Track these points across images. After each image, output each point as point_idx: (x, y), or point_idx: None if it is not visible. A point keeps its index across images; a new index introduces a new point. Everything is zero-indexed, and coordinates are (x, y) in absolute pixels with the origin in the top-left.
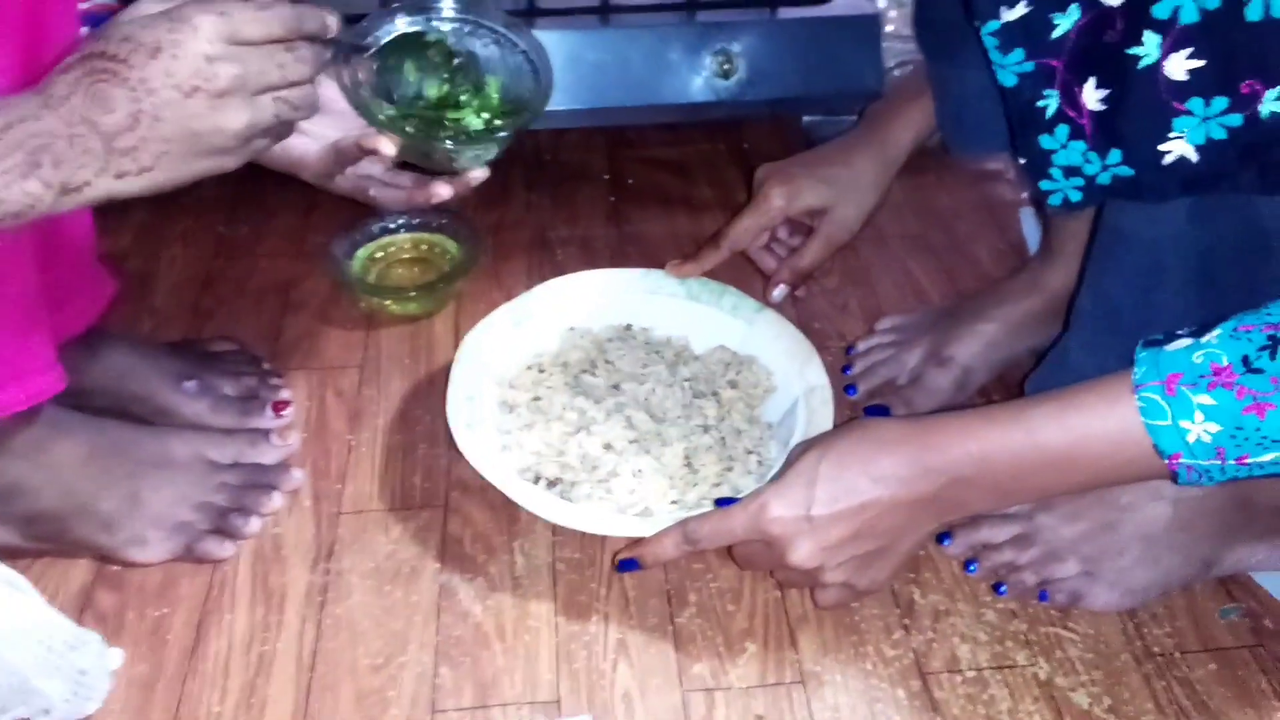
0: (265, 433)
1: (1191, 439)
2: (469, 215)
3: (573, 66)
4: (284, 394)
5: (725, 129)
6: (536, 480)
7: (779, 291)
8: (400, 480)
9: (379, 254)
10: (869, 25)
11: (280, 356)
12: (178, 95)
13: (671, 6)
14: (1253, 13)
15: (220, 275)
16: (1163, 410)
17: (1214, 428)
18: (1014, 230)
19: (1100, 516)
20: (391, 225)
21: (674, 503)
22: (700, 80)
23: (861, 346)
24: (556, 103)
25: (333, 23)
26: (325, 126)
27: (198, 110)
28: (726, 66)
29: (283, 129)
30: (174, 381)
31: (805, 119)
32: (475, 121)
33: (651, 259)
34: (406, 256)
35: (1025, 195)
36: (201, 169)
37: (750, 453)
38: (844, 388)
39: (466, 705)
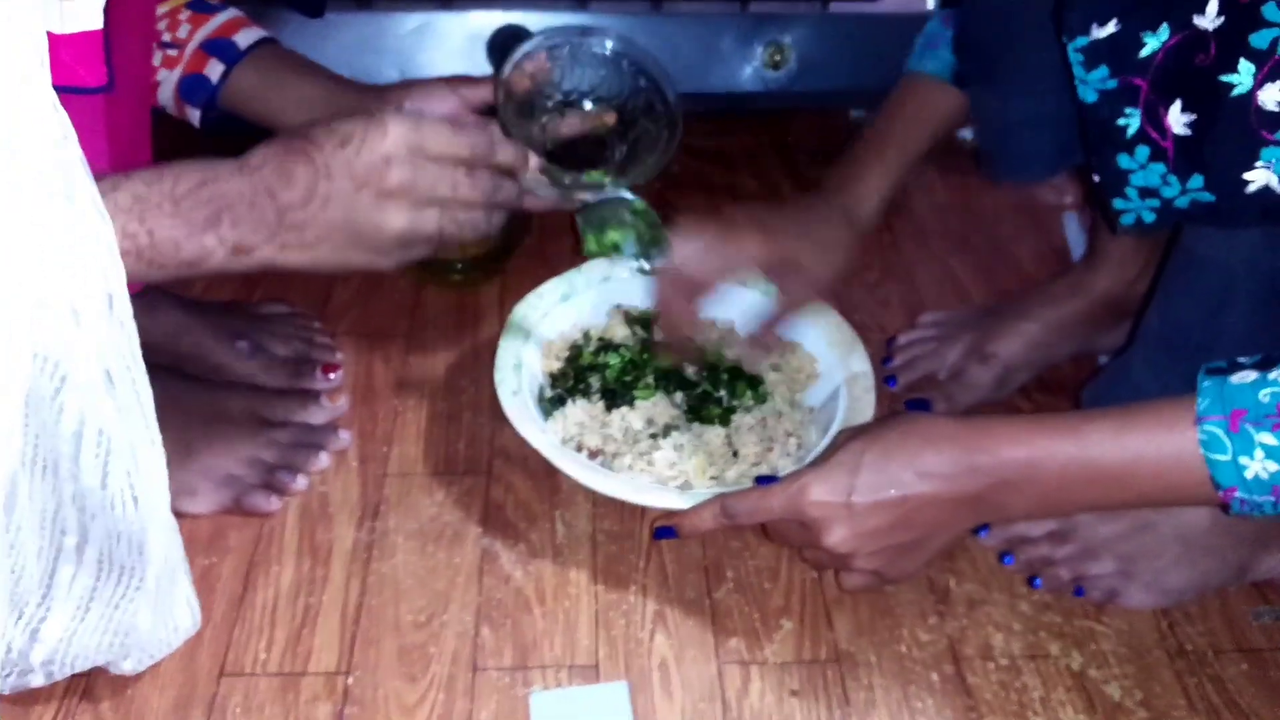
0: (315, 394)
1: (1249, 475)
2: None
3: None
4: (334, 357)
5: (770, 122)
6: (579, 450)
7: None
8: (445, 446)
9: None
10: (920, 24)
11: (328, 323)
12: (349, 186)
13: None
14: None
15: None
16: (1224, 445)
17: (1273, 466)
18: (1056, 233)
19: (1138, 517)
20: None
21: (713, 479)
22: (750, 70)
23: (903, 340)
24: None
25: (534, 162)
26: None
27: (362, 204)
28: (777, 58)
29: (443, 241)
30: (227, 341)
31: (853, 114)
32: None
33: None
34: None
35: (1068, 200)
36: (358, 262)
37: (790, 435)
38: (884, 379)
39: (506, 665)
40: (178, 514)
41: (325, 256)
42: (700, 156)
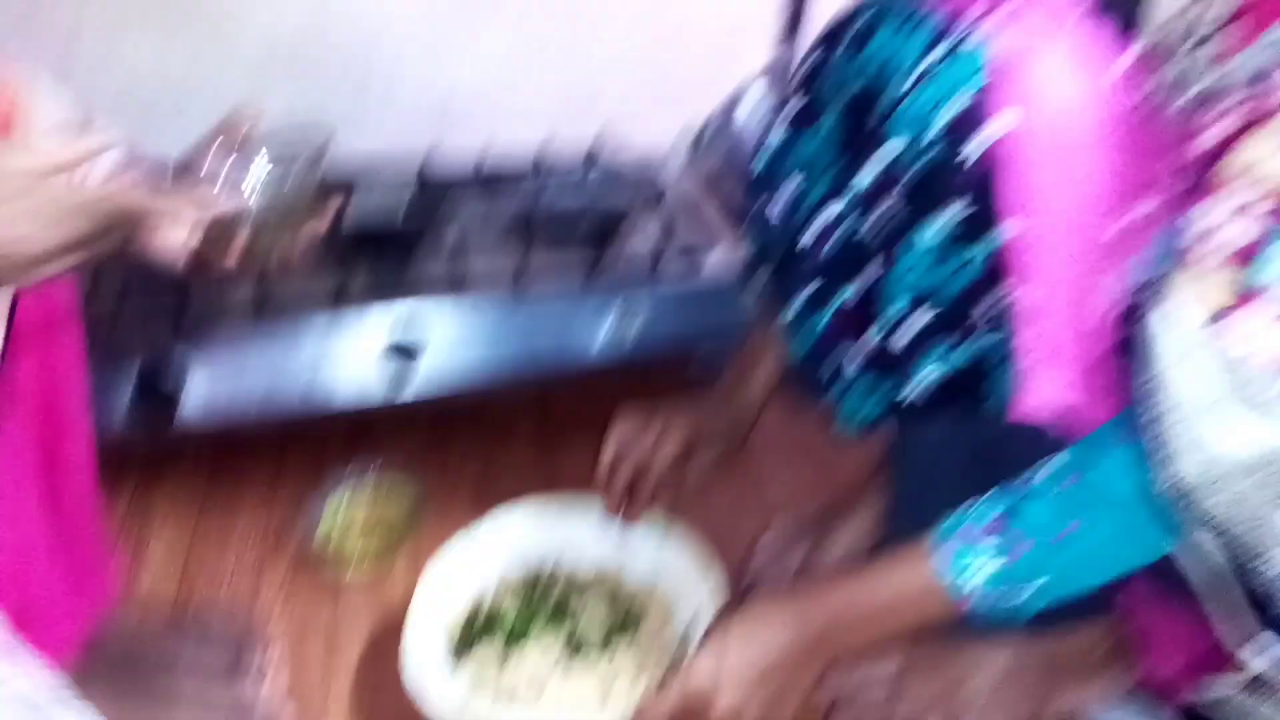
0: (252, 680)
1: (976, 582)
2: (419, 462)
3: (496, 331)
4: (268, 656)
5: (625, 377)
6: (487, 693)
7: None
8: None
9: (340, 517)
10: (733, 290)
11: (260, 613)
12: None
13: (576, 279)
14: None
15: (203, 538)
16: (953, 563)
17: (991, 567)
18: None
19: (956, 673)
20: (348, 486)
21: (604, 708)
22: (601, 339)
23: (761, 543)
24: (481, 368)
25: None
26: None
27: None
28: (623, 327)
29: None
30: (171, 635)
31: (694, 363)
32: None
33: (584, 480)
34: (368, 505)
35: None
36: None
37: (666, 666)
38: (746, 585)
39: None
40: None
41: None
42: (575, 400)
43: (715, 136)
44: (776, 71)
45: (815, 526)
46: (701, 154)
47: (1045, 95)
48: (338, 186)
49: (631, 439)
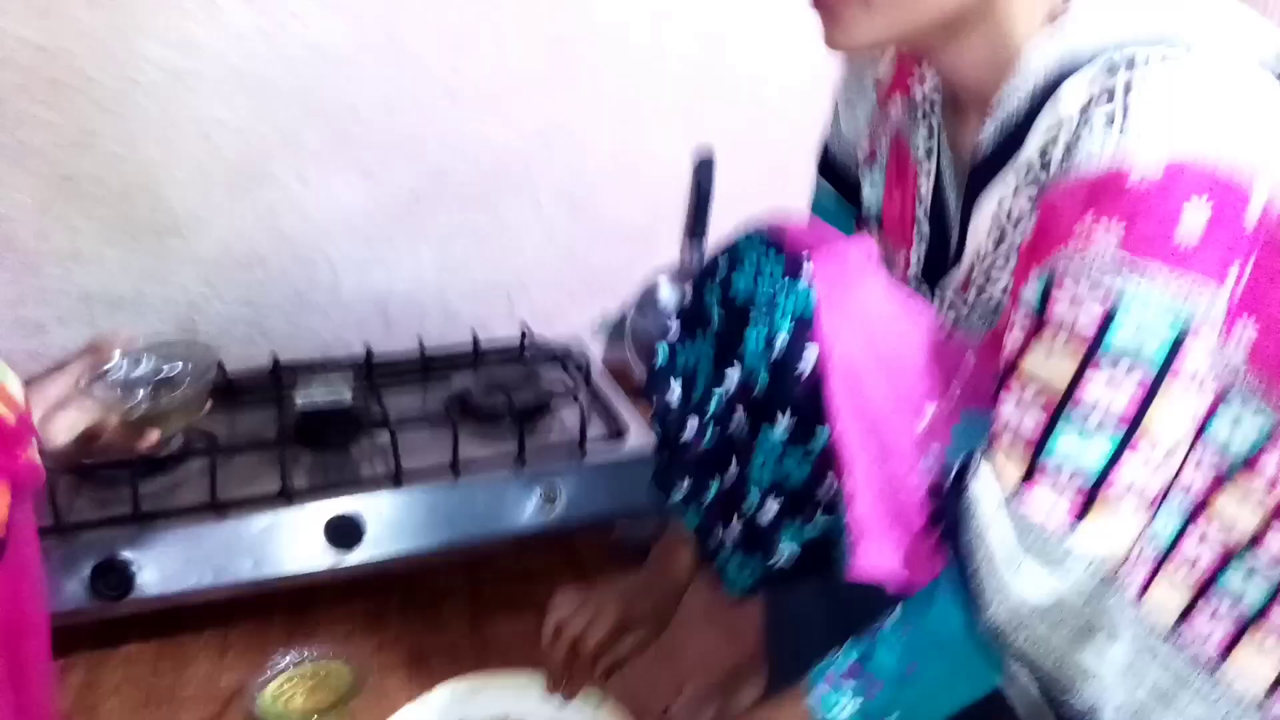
0: None
1: (845, 716)
2: (355, 641)
3: (431, 513)
4: None
5: (555, 545)
6: None
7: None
8: None
9: (283, 691)
10: (650, 466)
11: None
12: None
13: (505, 460)
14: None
15: None
16: (822, 702)
17: (854, 705)
18: None
19: None
20: (293, 661)
21: None
22: (530, 510)
23: (674, 707)
24: (416, 551)
25: None
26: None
27: None
28: (551, 498)
29: None
30: None
31: (617, 528)
32: None
33: (512, 657)
34: (306, 686)
35: None
36: None
37: None
38: None
39: None
40: None
41: None
42: (506, 578)
43: (628, 327)
44: (681, 266)
45: (723, 687)
46: (614, 343)
47: (852, 325)
48: (285, 385)
49: (568, 619)
